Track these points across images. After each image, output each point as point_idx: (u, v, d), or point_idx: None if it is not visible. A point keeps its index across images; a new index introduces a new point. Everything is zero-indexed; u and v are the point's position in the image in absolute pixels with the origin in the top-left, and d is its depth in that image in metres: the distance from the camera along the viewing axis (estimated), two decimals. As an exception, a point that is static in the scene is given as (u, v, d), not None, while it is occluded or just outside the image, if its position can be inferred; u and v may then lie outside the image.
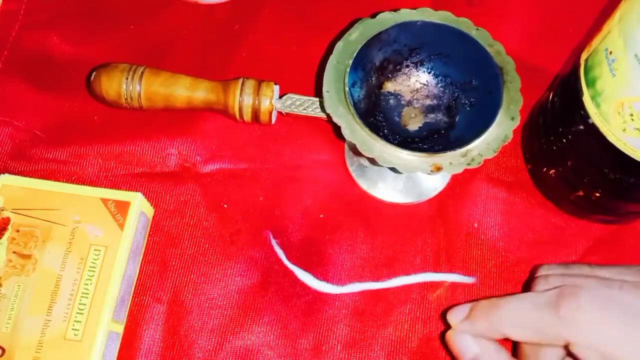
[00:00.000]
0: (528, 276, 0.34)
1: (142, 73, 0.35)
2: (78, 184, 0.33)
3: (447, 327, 0.30)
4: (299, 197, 0.36)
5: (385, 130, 0.32)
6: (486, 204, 0.36)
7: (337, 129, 0.30)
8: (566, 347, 0.25)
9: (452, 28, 0.32)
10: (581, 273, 0.28)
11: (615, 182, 0.31)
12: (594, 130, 0.29)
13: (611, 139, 0.28)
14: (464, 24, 0.32)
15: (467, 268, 0.35)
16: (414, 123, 0.33)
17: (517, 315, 0.27)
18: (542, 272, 0.30)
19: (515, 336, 0.27)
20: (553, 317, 0.25)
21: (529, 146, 0.37)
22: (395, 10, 0.32)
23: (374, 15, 0.32)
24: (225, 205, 0.36)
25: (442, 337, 0.33)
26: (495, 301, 0.28)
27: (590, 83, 0.29)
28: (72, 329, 0.29)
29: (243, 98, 0.35)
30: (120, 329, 0.32)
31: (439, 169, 0.29)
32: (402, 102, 0.34)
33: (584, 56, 0.30)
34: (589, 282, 0.27)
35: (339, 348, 0.33)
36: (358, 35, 0.32)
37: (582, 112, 0.29)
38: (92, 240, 0.31)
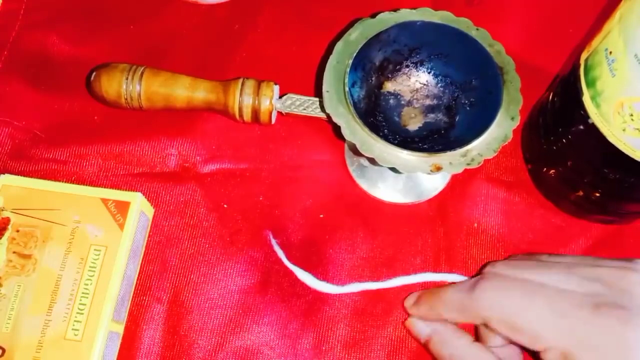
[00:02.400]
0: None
1: (142, 73, 0.35)
2: (78, 184, 0.33)
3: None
4: (299, 197, 0.36)
5: (385, 130, 0.32)
6: (486, 204, 0.36)
7: (337, 129, 0.30)
8: (487, 325, 0.28)
9: (452, 28, 0.32)
10: (523, 259, 0.32)
11: (615, 182, 0.31)
12: (594, 130, 0.29)
13: (611, 139, 0.28)
14: (464, 24, 0.32)
15: (467, 268, 0.35)
16: (414, 123, 0.33)
17: (447, 299, 0.30)
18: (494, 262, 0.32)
19: (447, 317, 0.30)
20: (469, 299, 0.28)
21: (529, 146, 0.37)
22: (395, 10, 0.32)
23: (374, 15, 0.32)
24: (225, 205, 0.36)
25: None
26: (437, 288, 0.32)
27: (590, 83, 0.29)
28: (72, 329, 0.29)
29: (243, 98, 0.35)
30: (120, 329, 0.32)
31: (439, 168, 0.29)
32: (402, 102, 0.34)
33: (584, 56, 0.30)
34: (510, 264, 0.30)
35: (339, 348, 0.33)
36: (358, 35, 0.32)
37: (582, 112, 0.29)
38: (92, 240, 0.31)
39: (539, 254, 0.32)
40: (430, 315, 0.31)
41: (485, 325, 0.28)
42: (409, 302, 0.32)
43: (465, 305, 0.29)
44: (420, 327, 0.31)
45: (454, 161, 0.29)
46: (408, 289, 0.34)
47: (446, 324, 0.31)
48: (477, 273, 0.33)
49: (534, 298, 0.27)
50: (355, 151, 0.30)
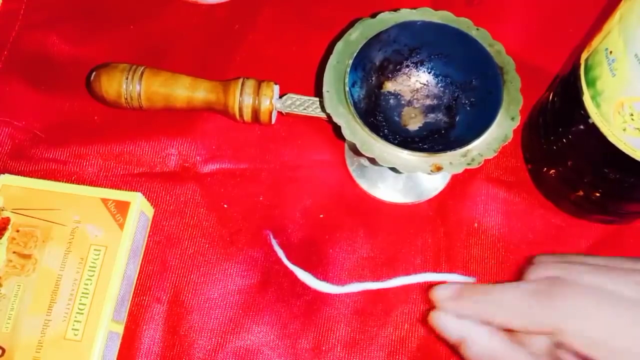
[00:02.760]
0: (521, 265, 0.34)
1: (142, 73, 0.35)
2: (78, 184, 0.33)
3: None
4: (299, 197, 0.36)
5: (386, 130, 0.32)
6: (486, 204, 0.36)
7: (337, 129, 0.30)
8: (554, 336, 0.25)
9: (452, 28, 0.32)
10: (575, 261, 0.28)
11: (616, 182, 0.31)
12: (594, 130, 0.29)
13: (611, 138, 0.28)
14: (464, 24, 0.32)
15: (467, 268, 0.35)
16: (414, 123, 0.33)
17: (507, 301, 0.26)
18: (536, 260, 0.29)
19: (503, 322, 0.26)
20: (543, 305, 0.25)
21: (529, 146, 0.37)
22: (395, 10, 0.32)
23: (374, 15, 0.32)
24: (225, 205, 0.36)
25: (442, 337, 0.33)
26: (486, 286, 0.28)
27: (591, 83, 0.29)
28: (72, 329, 0.29)
29: (243, 98, 0.35)
30: (120, 329, 0.32)
31: (439, 168, 0.29)
32: (402, 102, 0.34)
33: (584, 56, 0.30)
34: (581, 270, 0.27)
35: (339, 348, 0.33)
36: (358, 35, 0.32)
37: (582, 112, 0.29)
38: (92, 240, 0.31)
39: (571, 255, 0.29)
40: (471, 315, 0.27)
41: (553, 336, 0.25)
42: (442, 294, 0.28)
43: (535, 313, 0.25)
44: (453, 326, 0.28)
45: (454, 161, 0.29)
46: (408, 289, 0.34)
47: (482, 324, 0.27)
48: (518, 278, 0.30)
49: (620, 312, 0.24)
50: (356, 151, 0.30)
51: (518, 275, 0.33)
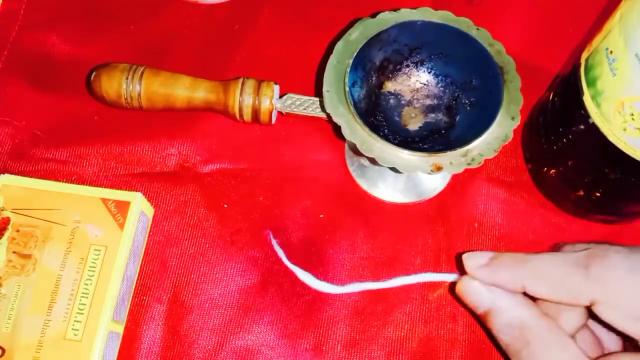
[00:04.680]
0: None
1: (142, 73, 0.35)
2: (78, 184, 0.33)
3: (444, 325, 0.30)
4: (299, 197, 0.36)
5: (386, 130, 0.32)
6: (486, 204, 0.36)
7: (337, 129, 0.30)
8: (589, 308, 0.25)
9: (452, 28, 0.32)
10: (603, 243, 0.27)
11: (616, 182, 0.31)
12: (594, 130, 0.29)
13: (612, 138, 0.28)
14: (464, 24, 0.32)
15: (468, 268, 0.34)
16: (414, 123, 0.33)
17: (544, 270, 0.25)
18: (562, 244, 0.29)
19: (538, 292, 0.26)
20: (581, 276, 0.24)
21: (530, 146, 0.37)
22: (395, 10, 0.32)
23: (374, 15, 0.32)
24: (225, 205, 0.36)
25: (442, 337, 0.33)
26: (522, 254, 0.26)
27: (591, 82, 0.29)
28: (72, 329, 0.29)
29: (243, 98, 0.35)
30: (120, 329, 0.32)
31: (439, 168, 0.29)
32: (402, 102, 0.34)
33: (584, 56, 0.30)
34: (617, 249, 0.26)
35: (339, 348, 0.33)
36: (358, 35, 0.32)
37: (582, 111, 0.29)
38: (92, 240, 0.31)
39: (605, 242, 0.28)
40: (508, 285, 0.26)
41: (588, 308, 0.25)
42: (474, 261, 0.27)
43: (574, 284, 0.25)
44: (483, 294, 0.26)
45: (454, 161, 0.29)
46: (408, 289, 0.34)
47: (514, 294, 0.26)
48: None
49: None
50: (356, 151, 0.30)
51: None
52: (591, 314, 0.25)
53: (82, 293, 0.30)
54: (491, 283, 0.27)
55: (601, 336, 0.28)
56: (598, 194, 0.33)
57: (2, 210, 0.32)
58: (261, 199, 0.36)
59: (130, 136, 0.37)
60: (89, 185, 0.34)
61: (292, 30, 0.41)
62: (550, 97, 0.34)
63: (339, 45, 0.31)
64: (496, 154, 0.29)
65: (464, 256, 0.28)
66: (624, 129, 0.27)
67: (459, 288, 0.28)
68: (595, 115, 0.28)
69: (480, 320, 0.27)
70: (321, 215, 0.36)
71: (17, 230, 0.31)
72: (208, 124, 0.38)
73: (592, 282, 0.24)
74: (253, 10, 0.42)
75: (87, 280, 0.30)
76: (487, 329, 0.27)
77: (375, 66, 0.33)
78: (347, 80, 0.30)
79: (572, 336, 0.26)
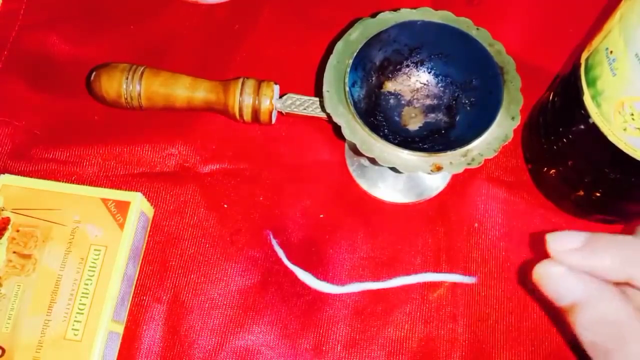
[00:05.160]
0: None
1: (142, 73, 0.35)
2: (78, 184, 0.33)
3: (444, 325, 0.30)
4: (299, 197, 0.36)
5: (386, 130, 0.32)
6: (486, 203, 0.36)
7: (337, 129, 0.30)
8: None
9: (452, 28, 0.32)
10: None
11: (616, 182, 0.31)
12: (594, 129, 0.29)
13: (612, 138, 0.28)
14: (464, 24, 0.32)
15: (467, 268, 0.34)
16: (414, 123, 0.33)
17: None
18: None
19: None
20: None
21: (530, 146, 0.37)
22: (395, 10, 0.32)
23: (374, 15, 0.32)
24: (225, 205, 0.36)
25: (442, 337, 0.33)
26: (624, 237, 0.22)
27: (591, 82, 0.29)
28: (72, 329, 0.29)
29: (243, 98, 0.35)
30: (120, 329, 0.32)
31: (439, 168, 0.29)
32: (402, 102, 0.34)
33: (584, 56, 0.30)
34: None
35: (339, 348, 0.33)
36: (358, 35, 0.32)
37: (582, 111, 0.29)
38: (92, 240, 0.31)
39: None
40: (608, 273, 0.22)
41: None
42: (564, 243, 0.23)
43: None
44: (571, 284, 0.22)
45: (454, 161, 0.29)
46: (408, 289, 0.34)
47: (609, 285, 0.22)
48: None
49: None
50: (356, 151, 0.30)
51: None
52: None
53: (82, 293, 0.30)
54: (587, 270, 0.22)
55: None
56: (598, 194, 0.33)
57: (2, 210, 0.32)
58: (261, 199, 0.36)
59: (130, 136, 0.37)
60: (89, 185, 0.34)
61: (292, 30, 0.41)
62: (550, 97, 0.34)
63: (339, 45, 0.31)
64: (496, 154, 0.29)
65: (548, 236, 0.23)
66: (624, 129, 0.27)
67: (538, 273, 0.23)
68: (596, 115, 0.28)
69: (557, 313, 0.23)
70: (321, 215, 0.36)
71: (17, 230, 0.31)
72: (208, 124, 0.38)
73: None
74: (253, 10, 0.42)
75: (87, 280, 0.30)
76: (563, 321, 0.23)
77: (375, 66, 0.33)
78: (347, 80, 0.30)
79: None
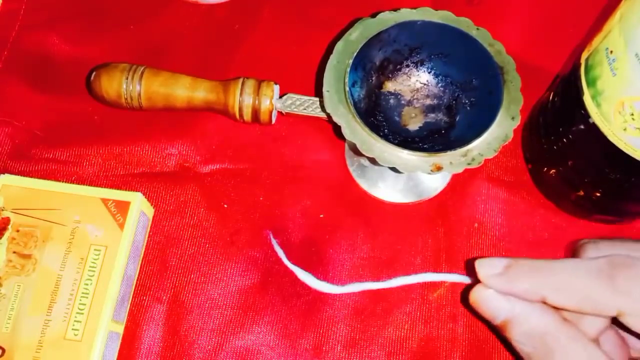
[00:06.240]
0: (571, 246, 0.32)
1: (142, 73, 0.35)
2: (78, 184, 0.33)
3: (444, 325, 0.30)
4: (299, 197, 0.36)
5: (386, 130, 0.32)
6: (486, 203, 0.36)
7: (337, 129, 0.30)
8: (614, 317, 0.24)
9: (452, 28, 0.32)
10: (626, 242, 0.26)
11: (616, 182, 0.31)
12: (594, 129, 0.29)
13: (612, 138, 0.28)
14: (464, 24, 0.32)
15: (468, 268, 0.34)
16: (414, 123, 0.33)
17: (565, 280, 0.24)
18: (582, 242, 0.27)
19: (559, 302, 0.24)
20: (606, 287, 0.23)
21: (530, 146, 0.37)
22: (395, 10, 0.32)
23: (374, 15, 0.32)
24: (225, 205, 0.36)
25: (442, 337, 0.33)
26: (539, 262, 0.25)
27: (591, 82, 0.29)
28: (72, 329, 0.29)
29: (243, 98, 0.35)
30: (120, 329, 0.32)
31: (439, 168, 0.29)
32: (403, 102, 0.34)
33: (584, 56, 0.30)
34: (629, 248, 0.25)
35: (339, 348, 0.33)
36: (358, 35, 0.32)
37: (582, 111, 0.29)
38: (92, 240, 0.31)
39: (626, 238, 0.27)
40: (525, 294, 0.25)
41: (613, 318, 0.24)
42: (488, 269, 0.25)
43: (599, 295, 0.24)
44: (499, 304, 0.25)
45: (454, 161, 0.29)
46: (408, 289, 0.34)
47: (532, 302, 0.25)
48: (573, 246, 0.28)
49: None
50: (356, 151, 0.30)
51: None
52: (615, 321, 0.24)
53: (82, 293, 0.30)
54: (508, 293, 0.25)
55: (625, 335, 0.27)
56: (598, 194, 0.33)
57: (2, 210, 0.32)
58: (261, 199, 0.36)
59: (130, 136, 0.37)
60: (89, 185, 0.34)
61: (292, 30, 0.41)
62: (550, 97, 0.34)
63: (339, 45, 0.31)
64: (496, 154, 0.29)
65: (477, 263, 0.26)
66: (624, 129, 0.27)
67: (473, 298, 0.26)
68: (596, 115, 0.28)
69: (498, 331, 0.26)
70: (321, 215, 0.36)
71: (17, 230, 0.31)
72: (208, 124, 0.38)
73: (619, 294, 0.23)
74: (253, 10, 0.42)
75: (87, 280, 0.30)
76: (503, 337, 0.26)
77: (375, 66, 0.33)
78: (347, 80, 0.30)
79: (595, 339, 0.25)
